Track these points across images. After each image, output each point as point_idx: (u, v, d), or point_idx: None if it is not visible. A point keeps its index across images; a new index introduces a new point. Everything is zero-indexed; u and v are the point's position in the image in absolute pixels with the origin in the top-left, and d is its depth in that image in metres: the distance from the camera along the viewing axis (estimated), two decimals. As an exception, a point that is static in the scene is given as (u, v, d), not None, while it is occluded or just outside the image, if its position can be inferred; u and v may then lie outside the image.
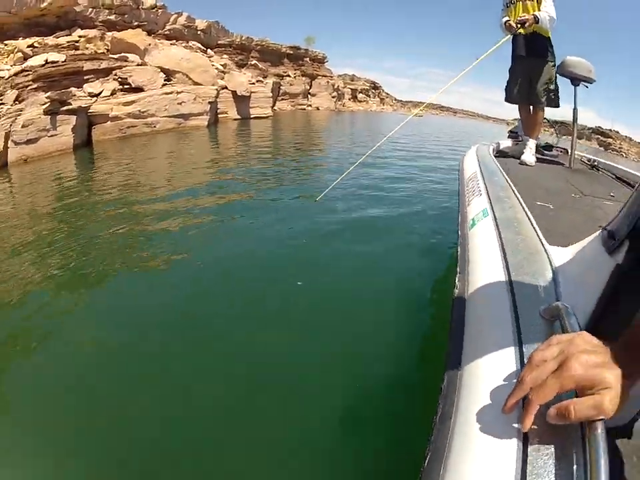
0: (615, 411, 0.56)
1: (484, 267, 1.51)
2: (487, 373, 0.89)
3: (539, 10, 3.65)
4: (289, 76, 30.92)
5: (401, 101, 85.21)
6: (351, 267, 3.62)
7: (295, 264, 3.60)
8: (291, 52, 33.50)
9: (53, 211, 4.87)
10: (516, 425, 0.66)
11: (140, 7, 20.21)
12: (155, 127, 12.42)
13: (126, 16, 19.11)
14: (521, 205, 2.14)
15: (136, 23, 19.05)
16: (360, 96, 49.22)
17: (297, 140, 13.25)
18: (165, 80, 14.07)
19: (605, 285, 1.00)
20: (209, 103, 15.12)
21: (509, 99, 4.21)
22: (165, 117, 12.98)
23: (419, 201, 6.07)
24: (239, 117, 18.58)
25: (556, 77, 3.84)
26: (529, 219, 1.91)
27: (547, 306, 1.04)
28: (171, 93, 13.46)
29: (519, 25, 3.68)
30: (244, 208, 5.09)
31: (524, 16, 3.65)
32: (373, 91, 58.48)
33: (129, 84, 12.49)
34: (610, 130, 57.55)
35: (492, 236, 1.73)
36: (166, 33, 21.19)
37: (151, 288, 3.15)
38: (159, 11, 21.35)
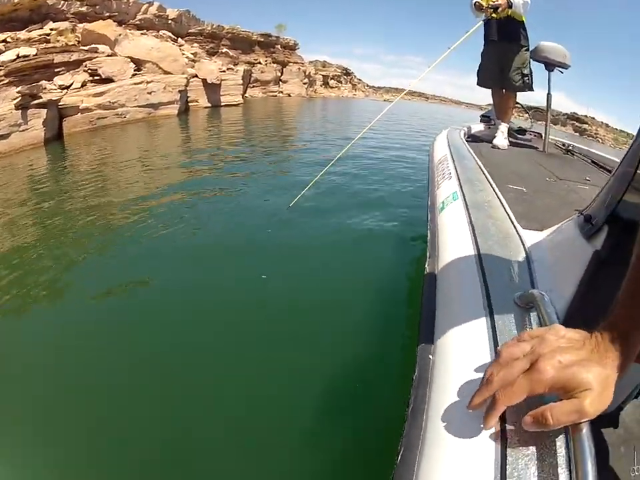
0: (601, 409, 0.53)
1: (454, 251, 1.47)
2: (458, 365, 0.86)
3: None
4: (260, 63, 31.12)
5: (373, 87, 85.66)
6: (325, 263, 3.54)
7: (263, 258, 3.55)
8: (262, 39, 33.58)
9: (23, 210, 4.74)
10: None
11: None
12: (125, 117, 12.63)
13: (97, 7, 19.09)
14: (493, 188, 2.09)
15: (107, 14, 19.04)
16: (332, 82, 49.44)
17: (269, 130, 13.46)
18: (135, 70, 14.28)
19: (584, 272, 0.98)
20: (179, 91, 15.40)
21: (482, 82, 4.16)
22: (134, 107, 13.22)
23: (394, 195, 5.86)
24: (209, 105, 18.87)
25: (530, 61, 3.80)
26: (501, 202, 1.86)
27: (521, 293, 1.01)
28: (140, 82, 13.68)
29: (491, 10, 3.60)
30: (211, 211, 4.79)
31: (496, 0, 3.56)
32: (345, 77, 58.60)
33: (99, 75, 12.70)
34: (585, 116, 58.18)
35: (462, 219, 1.68)
36: (137, 23, 21.20)
37: (115, 290, 3.04)
38: (130, 1, 21.34)
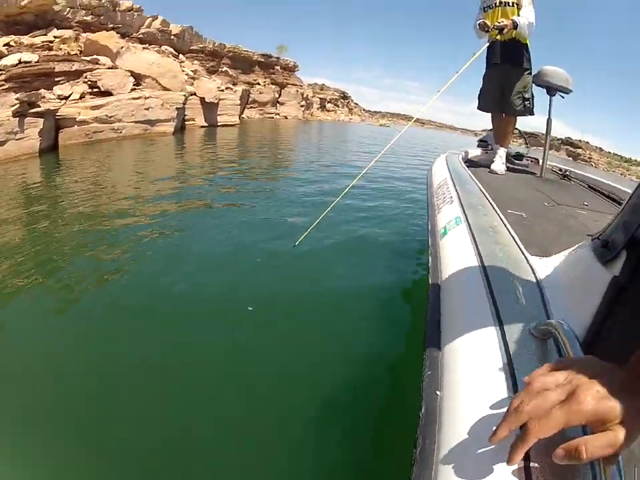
0: (632, 443, 0.50)
1: (460, 278, 1.42)
2: (472, 400, 0.81)
3: (518, 15, 3.54)
4: (258, 84, 31.38)
5: (369, 111, 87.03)
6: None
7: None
8: (262, 60, 33.93)
9: (13, 220, 4.66)
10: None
11: (117, 8, 20.30)
12: (121, 132, 12.54)
13: (102, 17, 19.17)
14: (496, 212, 2.04)
15: (111, 25, 19.16)
16: (328, 105, 49.96)
17: (267, 155, 13.34)
18: (134, 84, 14.28)
19: (602, 299, 0.93)
20: (177, 109, 15.37)
21: (483, 107, 4.10)
22: (131, 122, 13.14)
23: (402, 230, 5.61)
24: (206, 124, 18.89)
25: (531, 85, 3.77)
26: (506, 227, 1.81)
27: (537, 323, 0.97)
28: (138, 97, 13.64)
29: (496, 31, 3.57)
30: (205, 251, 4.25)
31: (502, 21, 3.53)
32: (342, 100, 59.38)
33: (98, 87, 12.69)
34: (579, 140, 59.15)
35: (467, 244, 1.62)
36: (140, 36, 21.34)
37: (106, 309, 2.95)
38: (135, 13, 21.45)
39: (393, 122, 69.05)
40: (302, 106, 38.09)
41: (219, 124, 19.84)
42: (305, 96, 39.30)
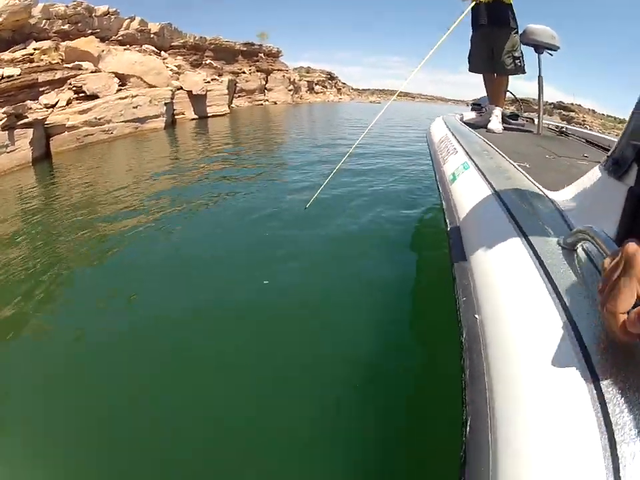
0: None
1: (478, 212, 1.44)
2: (517, 318, 0.80)
3: None
4: (244, 72, 31.34)
5: (358, 89, 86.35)
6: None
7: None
8: (245, 48, 33.78)
9: (11, 234, 4.58)
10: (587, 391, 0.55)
11: (93, 14, 20.29)
12: (112, 133, 12.63)
13: (79, 24, 19.22)
14: (503, 157, 2.04)
15: (89, 31, 19.14)
16: (317, 87, 49.69)
17: (259, 137, 13.51)
18: (119, 85, 14.32)
19: (622, 211, 0.94)
20: (165, 104, 15.43)
21: (474, 68, 4.10)
22: (121, 122, 13.23)
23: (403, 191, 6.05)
24: (196, 116, 18.95)
25: (520, 44, 3.77)
26: (516, 167, 1.82)
27: (566, 235, 0.97)
28: (125, 97, 13.70)
29: None
30: (210, 222, 4.77)
31: None
32: (330, 81, 58.91)
33: (84, 92, 12.74)
34: (572, 104, 58.15)
35: (479, 183, 1.64)
36: (119, 38, 21.35)
37: (116, 301, 3.05)
38: (112, 17, 21.43)
39: (382, 98, 68.65)
40: (290, 90, 37.92)
41: (209, 115, 19.89)
42: (291, 80, 39.13)
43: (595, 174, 1.19)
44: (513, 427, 0.61)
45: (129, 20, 22.54)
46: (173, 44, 26.36)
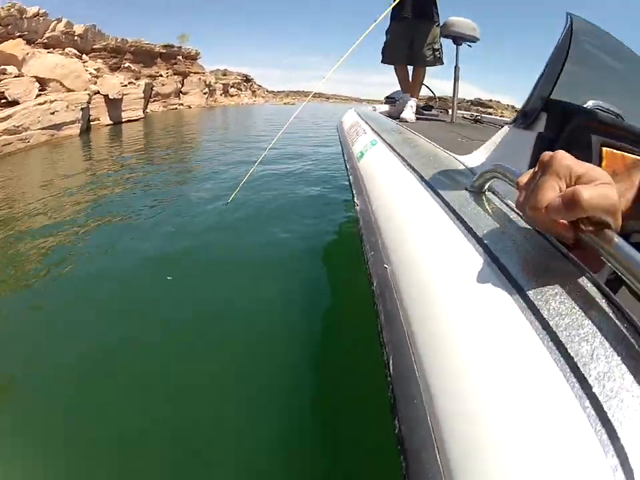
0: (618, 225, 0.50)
1: (386, 178, 1.40)
2: (429, 265, 0.76)
3: None
4: (161, 76, 31.61)
5: (273, 91, 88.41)
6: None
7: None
8: (164, 51, 33.98)
9: None
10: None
11: (24, 16, 19.98)
12: (29, 141, 12.59)
13: (10, 27, 18.85)
14: (413, 133, 2.03)
15: (18, 34, 18.89)
16: (232, 90, 50.48)
17: (173, 142, 13.68)
18: (39, 90, 14.56)
19: (532, 152, 1.00)
20: (81, 109, 15.68)
21: (389, 59, 4.11)
22: (38, 129, 13.29)
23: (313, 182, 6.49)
24: (111, 122, 19.26)
25: (440, 36, 3.84)
26: (425, 140, 1.80)
27: (473, 179, 0.95)
28: (44, 102, 13.87)
29: None
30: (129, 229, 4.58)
31: None
32: (245, 84, 59.91)
33: (6, 98, 12.96)
34: (490, 100, 58.63)
35: (387, 155, 1.60)
36: (45, 41, 21.15)
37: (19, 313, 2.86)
38: (41, 18, 21.13)
39: (297, 99, 70.52)
40: (205, 93, 38.50)
41: (124, 120, 20.21)
42: (207, 83, 39.65)
43: (504, 131, 1.22)
44: (439, 359, 0.59)
45: (55, 22, 22.25)
46: (94, 47, 26.21)
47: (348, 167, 2.09)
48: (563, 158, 0.52)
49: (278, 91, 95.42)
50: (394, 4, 3.71)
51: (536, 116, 1.08)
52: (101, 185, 7.03)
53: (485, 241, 0.69)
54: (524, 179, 0.59)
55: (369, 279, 0.99)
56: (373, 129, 2.34)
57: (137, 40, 30.90)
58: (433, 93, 5.15)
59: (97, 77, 19.91)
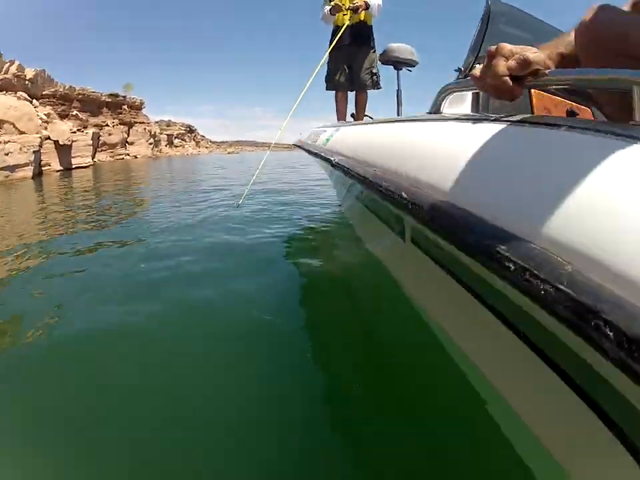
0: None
1: (361, 136, 1.63)
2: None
3: None
4: (107, 125, 31.70)
5: (216, 142, 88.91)
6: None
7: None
8: (110, 100, 34.30)
9: None
10: None
11: None
12: None
13: None
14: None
15: None
16: (176, 141, 51.08)
17: (123, 188, 11.80)
18: None
19: (472, 97, 1.28)
20: (33, 152, 15.70)
21: (332, 87, 4.23)
22: None
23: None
24: (61, 168, 19.17)
25: (377, 62, 4.00)
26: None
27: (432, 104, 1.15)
28: None
29: (350, 11, 3.82)
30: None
31: (356, 2, 3.80)
32: (189, 134, 60.81)
33: None
34: None
35: (353, 130, 1.86)
36: None
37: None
38: None
39: (240, 149, 71.31)
40: (150, 144, 38.71)
41: (73, 166, 20.14)
42: (152, 133, 39.94)
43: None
44: None
45: (8, 63, 22.22)
46: (44, 92, 26.10)
47: (320, 154, 2.19)
48: (505, 45, 0.71)
49: (222, 141, 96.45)
50: (324, 58, 4.06)
51: (471, 66, 1.56)
52: (50, 228, 5.63)
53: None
54: (476, 72, 0.77)
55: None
56: (332, 127, 2.56)
57: (83, 88, 31.00)
58: (371, 118, 4.93)
59: (47, 122, 19.80)
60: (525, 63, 0.68)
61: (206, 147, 67.55)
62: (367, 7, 3.82)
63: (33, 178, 15.15)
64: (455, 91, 1.13)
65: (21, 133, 16.22)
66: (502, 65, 0.70)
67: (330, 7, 3.90)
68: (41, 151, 17.02)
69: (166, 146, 45.78)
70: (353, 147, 1.57)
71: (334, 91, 4.26)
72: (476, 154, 0.69)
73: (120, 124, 33.89)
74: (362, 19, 3.90)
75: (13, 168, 14.47)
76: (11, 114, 16.26)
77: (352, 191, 2.00)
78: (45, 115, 20.72)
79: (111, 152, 31.10)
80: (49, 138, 18.72)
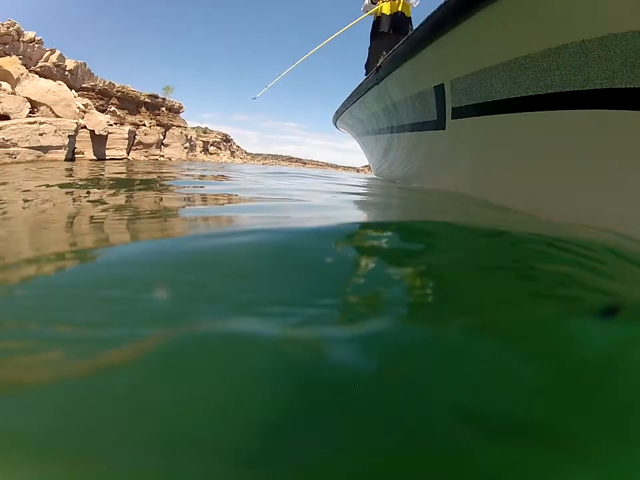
0: None
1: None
2: None
3: None
4: (144, 125, 31.90)
5: (251, 154, 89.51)
6: None
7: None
8: (149, 100, 34.58)
9: None
10: None
11: (21, 38, 20.27)
12: (15, 157, 12.63)
13: (7, 46, 19.12)
14: None
15: (14, 56, 18.87)
16: (211, 148, 51.73)
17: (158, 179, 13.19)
18: (30, 111, 14.58)
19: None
20: (68, 136, 15.55)
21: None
22: (26, 147, 13.32)
23: None
24: (94, 157, 19.13)
25: None
26: None
27: None
28: (34, 122, 13.84)
29: (390, 1, 4.00)
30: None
31: None
32: (225, 143, 61.67)
33: None
34: None
35: None
36: (37, 70, 21.20)
37: None
38: (36, 45, 21.40)
39: (274, 162, 71.94)
40: (185, 148, 38.74)
41: (107, 157, 20.09)
42: (188, 137, 40.17)
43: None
44: None
45: (49, 52, 22.51)
46: (83, 85, 26.46)
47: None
48: None
49: (256, 154, 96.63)
50: (363, 16, 4.28)
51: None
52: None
53: None
54: None
55: None
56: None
57: (123, 85, 31.38)
58: None
59: (84, 111, 19.88)
60: None
61: (240, 158, 67.97)
62: None
63: (65, 161, 15.02)
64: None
65: (57, 117, 16.11)
66: None
67: None
68: (76, 139, 16.86)
69: (201, 152, 46.11)
70: None
71: None
72: None
73: (157, 125, 34.16)
74: (399, 9, 4.07)
75: (46, 149, 14.35)
76: (49, 97, 16.24)
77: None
78: (83, 104, 20.84)
79: (145, 152, 30.99)
80: (85, 127, 18.67)
